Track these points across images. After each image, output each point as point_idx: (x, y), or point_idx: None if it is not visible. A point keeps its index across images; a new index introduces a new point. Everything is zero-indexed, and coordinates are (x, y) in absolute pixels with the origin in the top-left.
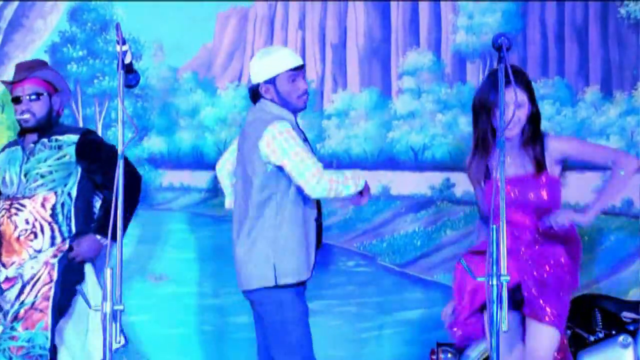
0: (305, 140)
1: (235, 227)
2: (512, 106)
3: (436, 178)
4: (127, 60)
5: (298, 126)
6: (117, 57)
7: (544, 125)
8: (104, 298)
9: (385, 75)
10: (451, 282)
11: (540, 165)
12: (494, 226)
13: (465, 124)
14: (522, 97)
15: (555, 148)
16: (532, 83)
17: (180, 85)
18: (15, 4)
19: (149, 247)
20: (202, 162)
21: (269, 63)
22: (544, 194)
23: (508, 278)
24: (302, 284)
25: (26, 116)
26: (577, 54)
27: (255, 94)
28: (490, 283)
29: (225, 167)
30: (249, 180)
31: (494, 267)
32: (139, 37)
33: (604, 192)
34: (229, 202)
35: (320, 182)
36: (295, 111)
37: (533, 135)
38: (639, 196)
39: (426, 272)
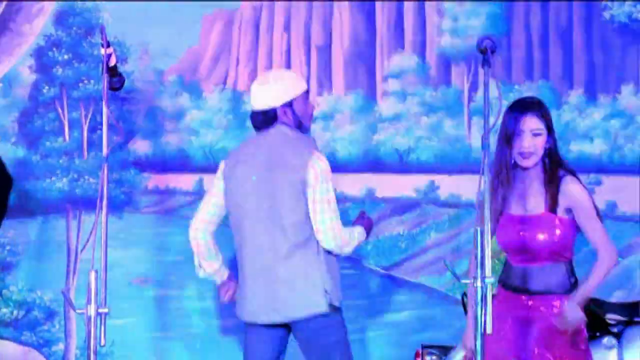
0: None
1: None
2: (528, 135)
3: (421, 180)
4: (112, 63)
5: None
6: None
7: None
8: (88, 301)
9: (370, 78)
10: (436, 284)
11: (553, 205)
12: (478, 229)
13: (450, 126)
14: (539, 125)
15: (566, 191)
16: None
17: (166, 89)
18: (1, 7)
19: (134, 251)
20: (188, 165)
21: (288, 85)
22: (554, 236)
23: (492, 280)
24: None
25: None
26: (561, 58)
27: (267, 118)
28: (474, 285)
29: (208, 230)
30: (279, 209)
31: (479, 270)
32: (125, 40)
33: (584, 284)
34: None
35: (336, 239)
36: (303, 132)
37: (552, 172)
38: (621, 199)
39: (411, 274)
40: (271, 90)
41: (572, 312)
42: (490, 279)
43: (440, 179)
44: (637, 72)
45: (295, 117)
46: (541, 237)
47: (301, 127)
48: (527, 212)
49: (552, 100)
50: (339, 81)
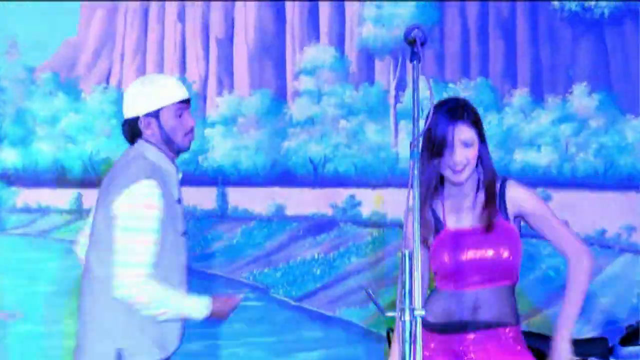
0: (179, 201)
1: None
2: (458, 148)
3: (339, 195)
4: None
5: (176, 173)
6: None
7: None
8: None
9: (279, 75)
10: (356, 317)
11: (493, 214)
12: (407, 251)
13: (373, 131)
14: (470, 134)
15: (512, 198)
16: (453, 84)
17: (38, 88)
18: None
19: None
20: (64, 178)
21: (153, 93)
22: (505, 252)
23: (423, 312)
24: None
25: None
26: (503, 52)
27: (132, 129)
28: (402, 319)
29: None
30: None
31: (407, 301)
32: None
33: (568, 303)
34: None
35: (122, 289)
36: (178, 152)
37: (491, 180)
38: (574, 217)
39: (327, 306)
40: (136, 95)
41: (567, 347)
42: (420, 312)
43: (362, 194)
44: (591, 69)
45: (162, 131)
46: (494, 252)
47: (170, 144)
48: (473, 226)
49: (492, 101)
50: (242, 79)
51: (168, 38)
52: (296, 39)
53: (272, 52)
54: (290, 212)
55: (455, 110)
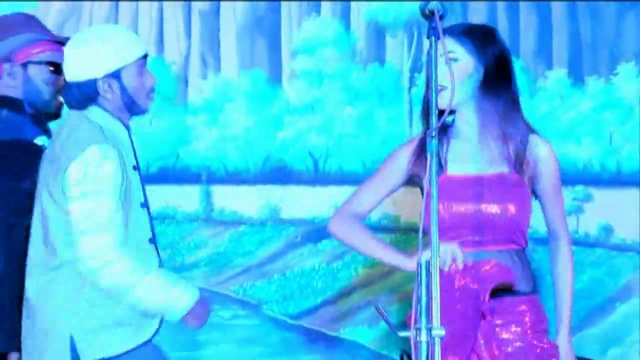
0: (135, 168)
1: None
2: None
3: (344, 195)
4: None
5: (132, 143)
6: None
7: None
8: None
9: (273, 54)
10: (364, 338)
11: (517, 161)
12: (423, 261)
13: (384, 119)
14: (455, 47)
15: (535, 154)
16: None
17: None
18: None
19: None
20: None
21: (112, 50)
22: (512, 208)
23: (442, 332)
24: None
25: None
26: (535, 28)
27: (87, 94)
28: (417, 339)
29: None
30: (46, 216)
31: (424, 318)
32: None
33: (563, 301)
34: None
35: (105, 264)
36: (136, 114)
37: (509, 118)
38: (619, 220)
39: (329, 324)
40: (89, 54)
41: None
42: (439, 331)
43: None
44: (638, 47)
45: (125, 93)
46: (499, 208)
47: (133, 108)
48: (477, 174)
49: (524, 85)
50: (230, 58)
51: (143, 11)
52: (293, 12)
53: (264, 27)
54: (286, 214)
55: (450, 26)
